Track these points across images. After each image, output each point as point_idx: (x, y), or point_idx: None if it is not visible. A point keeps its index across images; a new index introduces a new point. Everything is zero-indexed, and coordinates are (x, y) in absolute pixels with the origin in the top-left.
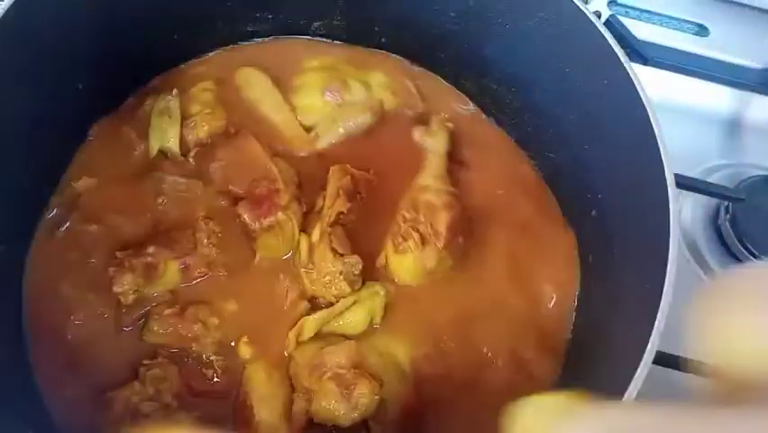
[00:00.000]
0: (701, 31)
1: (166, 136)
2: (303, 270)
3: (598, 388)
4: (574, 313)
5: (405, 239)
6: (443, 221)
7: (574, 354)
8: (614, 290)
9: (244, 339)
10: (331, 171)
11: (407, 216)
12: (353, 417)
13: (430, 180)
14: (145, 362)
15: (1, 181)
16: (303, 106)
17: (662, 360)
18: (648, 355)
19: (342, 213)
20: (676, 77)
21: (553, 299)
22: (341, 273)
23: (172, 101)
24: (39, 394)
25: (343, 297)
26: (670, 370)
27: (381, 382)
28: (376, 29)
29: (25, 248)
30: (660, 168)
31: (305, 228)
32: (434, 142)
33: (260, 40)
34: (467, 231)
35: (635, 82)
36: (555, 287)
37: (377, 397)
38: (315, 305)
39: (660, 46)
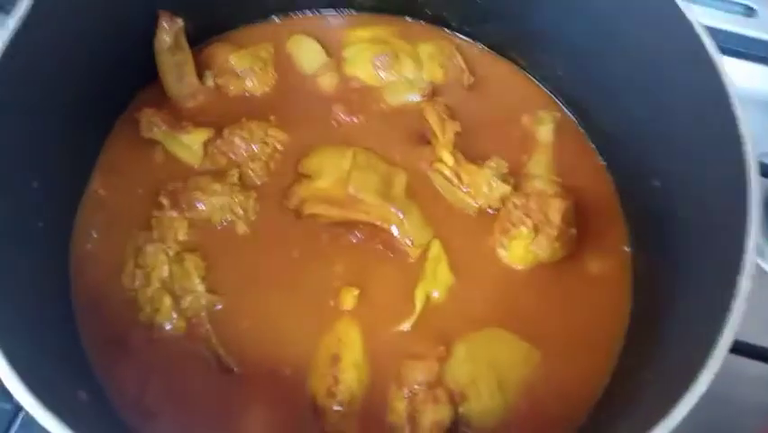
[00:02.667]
0: (749, 12)
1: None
2: (463, 192)
3: (667, 373)
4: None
5: (515, 225)
6: (556, 210)
7: (638, 335)
8: (682, 268)
9: (354, 291)
10: (423, 107)
11: (518, 202)
12: None
13: (540, 169)
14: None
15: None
16: (352, 77)
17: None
18: (721, 351)
19: (458, 132)
20: (724, 59)
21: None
22: (494, 176)
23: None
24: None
25: (508, 196)
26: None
27: (459, 400)
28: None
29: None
30: (738, 150)
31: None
32: (543, 131)
33: (309, 13)
34: (580, 222)
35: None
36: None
37: (444, 421)
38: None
39: (708, 27)
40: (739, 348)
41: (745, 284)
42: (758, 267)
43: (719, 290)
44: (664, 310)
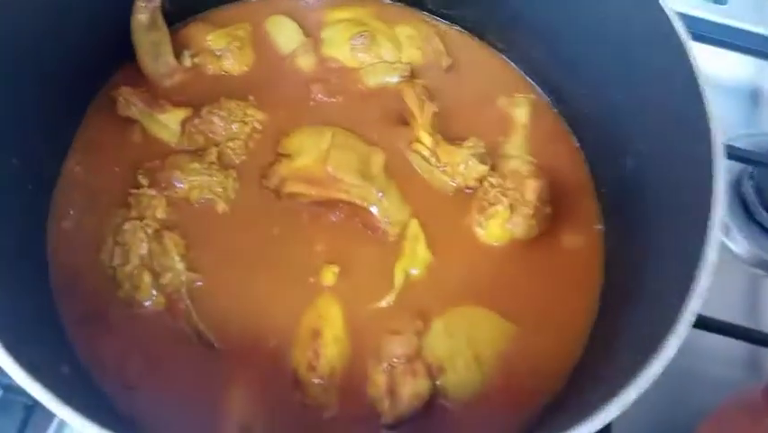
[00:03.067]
0: None
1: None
2: (441, 171)
3: (637, 341)
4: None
5: (492, 204)
6: (531, 189)
7: (610, 307)
8: (651, 244)
9: (334, 268)
10: (401, 89)
11: (494, 182)
12: (396, 414)
13: (516, 150)
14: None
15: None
16: (330, 58)
17: (704, 324)
18: (688, 317)
19: (436, 113)
20: (694, 45)
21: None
22: (472, 156)
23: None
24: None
25: (485, 175)
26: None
27: (437, 373)
28: None
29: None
30: (705, 131)
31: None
32: (519, 113)
33: None
34: (555, 201)
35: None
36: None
37: (423, 393)
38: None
39: (679, 13)
40: (703, 323)
41: (710, 255)
42: (723, 245)
43: (687, 263)
44: (634, 283)
